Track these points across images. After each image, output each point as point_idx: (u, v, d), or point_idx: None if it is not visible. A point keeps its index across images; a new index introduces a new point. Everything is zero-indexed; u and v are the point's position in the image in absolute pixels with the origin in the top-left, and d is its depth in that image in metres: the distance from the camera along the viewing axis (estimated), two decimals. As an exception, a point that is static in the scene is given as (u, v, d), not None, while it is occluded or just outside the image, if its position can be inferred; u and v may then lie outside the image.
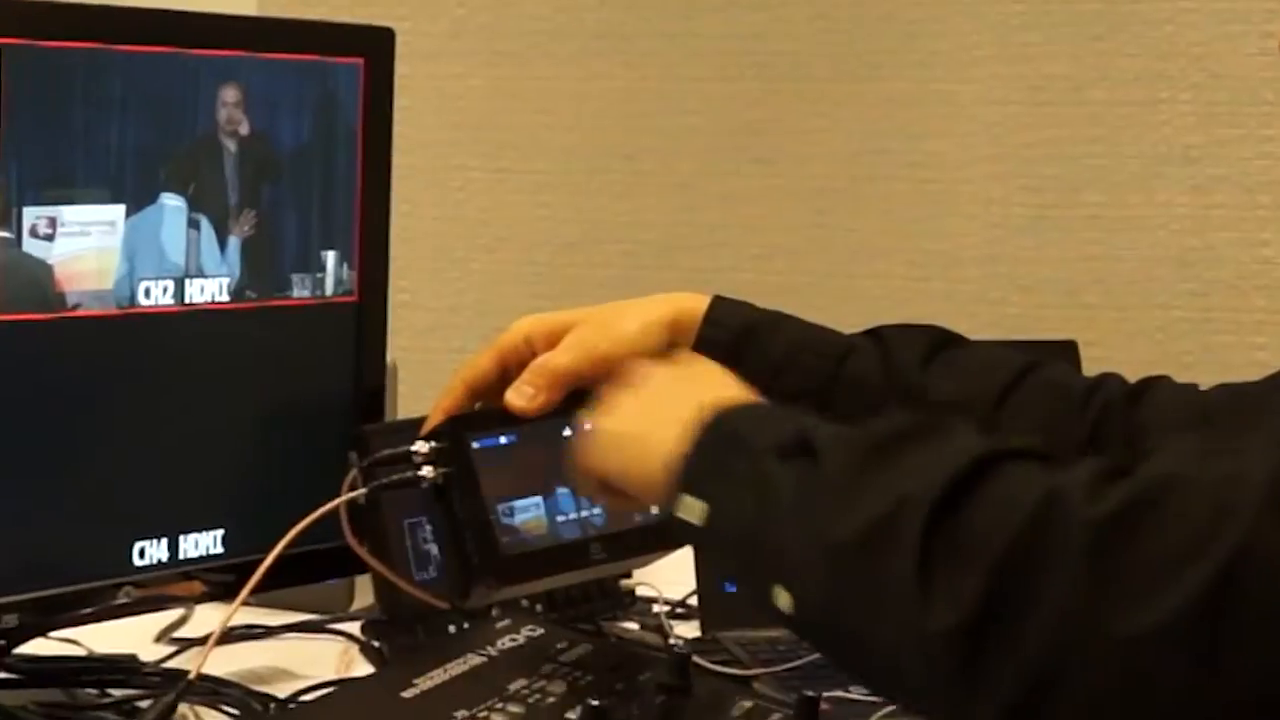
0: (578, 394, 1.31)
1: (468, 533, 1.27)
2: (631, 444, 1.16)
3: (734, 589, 1.65)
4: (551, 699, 1.24)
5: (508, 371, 1.34)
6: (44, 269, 1.37)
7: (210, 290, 1.47)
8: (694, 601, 1.76)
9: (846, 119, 2.90)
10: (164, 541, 1.46)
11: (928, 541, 0.95)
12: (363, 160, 1.55)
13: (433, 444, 1.28)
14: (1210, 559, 0.90)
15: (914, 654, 0.96)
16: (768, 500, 1.04)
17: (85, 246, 1.39)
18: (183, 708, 1.41)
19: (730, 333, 1.34)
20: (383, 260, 1.57)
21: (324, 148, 1.53)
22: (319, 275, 1.53)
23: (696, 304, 1.36)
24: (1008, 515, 0.94)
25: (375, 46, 1.56)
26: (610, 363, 1.31)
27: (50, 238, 1.37)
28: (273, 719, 1.47)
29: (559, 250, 3.01)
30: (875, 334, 1.36)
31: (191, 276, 1.45)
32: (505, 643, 1.32)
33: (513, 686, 1.25)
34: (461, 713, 1.21)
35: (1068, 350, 1.93)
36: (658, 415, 1.14)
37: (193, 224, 1.45)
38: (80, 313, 1.39)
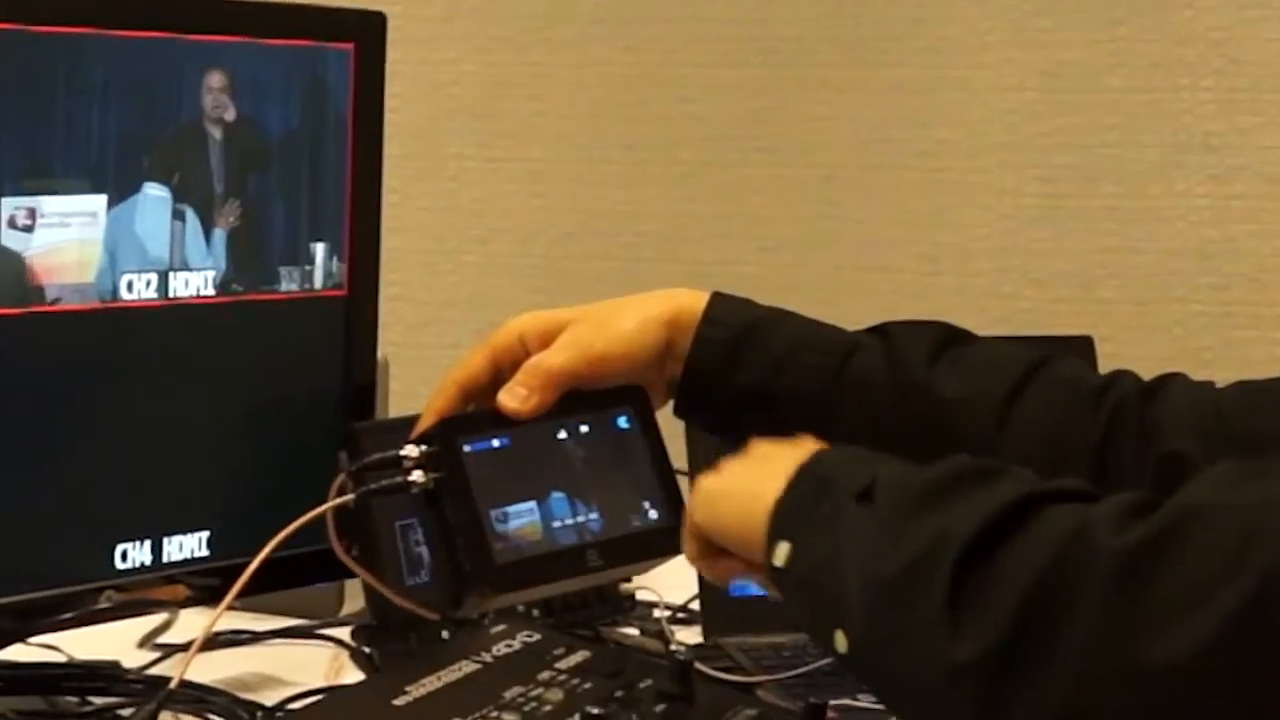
0: (573, 395, 1.32)
1: (460, 540, 1.27)
2: (738, 499, 1.18)
3: (738, 593, 1.66)
4: (548, 707, 1.24)
5: (501, 372, 1.34)
6: (22, 262, 1.37)
7: (195, 284, 1.47)
8: (696, 606, 1.76)
9: (854, 106, 2.90)
10: (147, 544, 1.46)
11: (958, 577, 0.99)
12: (353, 149, 1.55)
13: (423, 448, 1.28)
14: (1240, 584, 0.91)
15: (943, 688, 0.99)
16: (838, 542, 1.07)
17: (65, 238, 1.39)
18: (166, 716, 1.41)
19: (730, 331, 1.34)
20: (373, 252, 1.58)
21: (313, 136, 1.53)
22: (307, 268, 1.53)
23: (695, 301, 1.36)
24: (1036, 550, 0.98)
25: (366, 31, 1.56)
26: (606, 362, 1.32)
27: (29, 229, 1.37)
28: (260, 727, 1.48)
29: (555, 242, 3.01)
30: (880, 331, 1.36)
31: (175, 269, 1.46)
32: (501, 649, 1.32)
33: (508, 694, 1.25)
34: (455, 721, 1.22)
35: (1083, 346, 1.93)
36: (764, 470, 1.16)
37: (177, 215, 1.45)
38: (60, 307, 1.39)
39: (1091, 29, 2.81)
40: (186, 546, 1.48)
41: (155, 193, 1.44)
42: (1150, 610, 0.93)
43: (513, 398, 1.31)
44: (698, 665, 1.36)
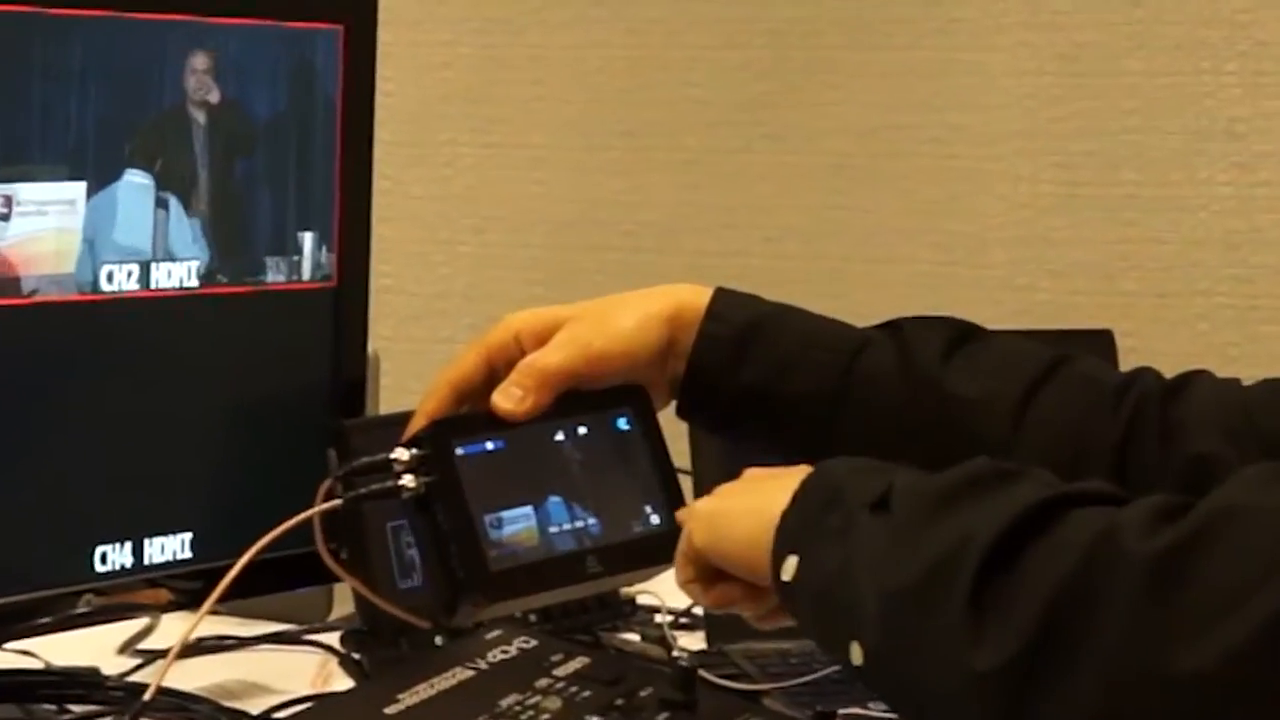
0: (570, 396, 1.31)
1: (453, 546, 1.26)
2: (740, 517, 1.18)
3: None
4: (546, 716, 1.24)
5: (495, 371, 1.33)
6: (-2, 252, 1.37)
7: (178, 275, 1.47)
8: (699, 611, 1.76)
9: (864, 91, 2.90)
10: (127, 545, 1.46)
11: (980, 583, 0.99)
12: (342, 134, 1.55)
13: (414, 451, 1.27)
14: (1275, 589, 0.91)
15: (963, 697, 0.99)
16: (849, 553, 1.07)
17: (43, 227, 1.39)
18: (147, 724, 1.41)
19: (734, 328, 1.34)
20: (363, 242, 1.58)
21: (300, 120, 1.53)
22: (295, 258, 1.53)
23: (697, 297, 1.35)
24: (1061, 555, 0.98)
25: (356, 11, 1.56)
26: (605, 361, 1.32)
27: (5, 218, 1.37)
28: (245, 737, 1.48)
29: (554, 231, 3.01)
30: (892, 327, 1.36)
31: (158, 260, 1.46)
32: (496, 655, 1.32)
33: (504, 702, 1.25)
34: (448, 731, 1.22)
35: (1102, 340, 1.93)
36: (766, 487, 1.17)
37: (160, 203, 1.45)
38: (37, 299, 1.39)
39: (1110, 10, 2.80)
40: (169, 548, 1.48)
41: (137, 180, 1.44)
42: (1181, 616, 0.93)
43: (508, 398, 1.31)
44: (701, 672, 1.35)
